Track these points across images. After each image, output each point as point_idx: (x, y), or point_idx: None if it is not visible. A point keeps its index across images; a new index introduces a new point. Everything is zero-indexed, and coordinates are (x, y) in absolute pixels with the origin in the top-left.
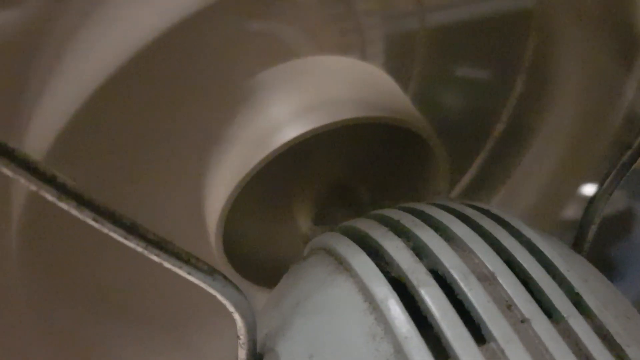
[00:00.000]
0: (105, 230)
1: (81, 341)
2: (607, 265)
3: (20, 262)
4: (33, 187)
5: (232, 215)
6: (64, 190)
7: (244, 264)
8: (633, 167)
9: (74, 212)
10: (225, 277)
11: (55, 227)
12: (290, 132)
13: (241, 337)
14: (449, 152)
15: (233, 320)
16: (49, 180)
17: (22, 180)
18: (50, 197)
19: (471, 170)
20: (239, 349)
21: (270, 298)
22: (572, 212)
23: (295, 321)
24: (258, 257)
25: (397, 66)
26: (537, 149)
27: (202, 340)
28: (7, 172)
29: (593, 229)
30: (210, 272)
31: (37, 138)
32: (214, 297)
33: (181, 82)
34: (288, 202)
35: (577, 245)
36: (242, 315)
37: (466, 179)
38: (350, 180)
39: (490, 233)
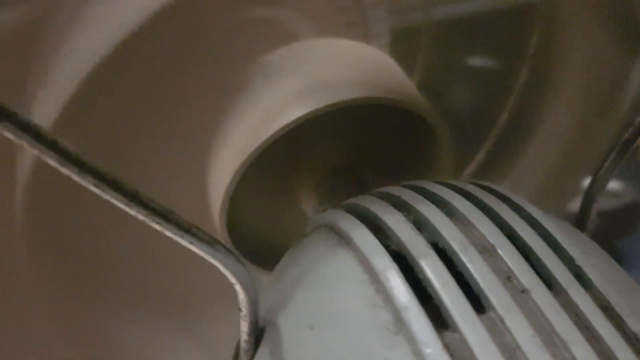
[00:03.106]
0: (107, 197)
1: (86, 322)
2: (615, 258)
3: (26, 242)
4: (36, 152)
5: (236, 197)
6: (66, 156)
7: (247, 246)
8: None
9: (76, 177)
10: (226, 248)
11: (60, 208)
12: (293, 113)
13: (243, 309)
14: (454, 142)
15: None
16: (52, 145)
17: (26, 145)
18: (52, 163)
19: (476, 159)
20: (241, 321)
21: (272, 274)
22: (576, 203)
23: (296, 294)
24: (262, 239)
25: (402, 58)
26: (541, 139)
27: (208, 325)
28: (10, 136)
29: (595, 207)
30: (212, 242)
31: (42, 114)
32: (219, 282)
33: (185, 64)
34: (292, 185)
35: (579, 223)
36: (244, 287)
37: (471, 168)
38: (354, 163)
39: (492, 208)
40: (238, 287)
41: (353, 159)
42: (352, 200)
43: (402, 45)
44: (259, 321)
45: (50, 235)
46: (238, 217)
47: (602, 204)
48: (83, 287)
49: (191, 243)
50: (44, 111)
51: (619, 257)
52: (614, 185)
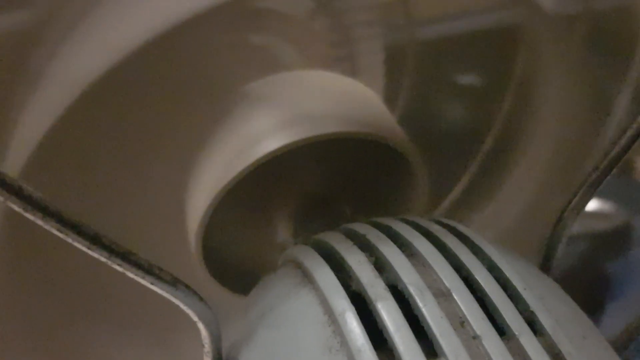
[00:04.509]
0: (69, 240)
1: (61, 342)
2: (605, 282)
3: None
4: (0, 198)
5: (213, 223)
6: (29, 202)
7: (223, 272)
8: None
9: (40, 222)
10: (188, 287)
11: (33, 227)
12: (272, 143)
13: (205, 345)
14: (438, 166)
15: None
16: (16, 192)
17: None
18: (16, 208)
19: (461, 183)
20: (204, 357)
21: (242, 308)
22: None
23: (259, 331)
24: (238, 265)
25: (386, 80)
26: (526, 163)
27: (183, 342)
28: None
29: (561, 247)
30: (174, 282)
31: (26, 136)
32: None
33: (167, 90)
34: (269, 213)
35: (545, 264)
36: (206, 325)
37: (456, 192)
38: (331, 194)
39: (452, 250)
40: (200, 325)
41: (330, 189)
42: (321, 237)
43: (387, 67)
44: (223, 356)
45: (23, 254)
46: (216, 243)
47: (593, 225)
48: (58, 306)
49: (152, 283)
50: (27, 136)
51: (610, 280)
52: (605, 206)
